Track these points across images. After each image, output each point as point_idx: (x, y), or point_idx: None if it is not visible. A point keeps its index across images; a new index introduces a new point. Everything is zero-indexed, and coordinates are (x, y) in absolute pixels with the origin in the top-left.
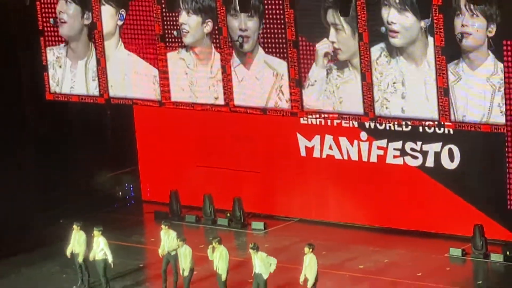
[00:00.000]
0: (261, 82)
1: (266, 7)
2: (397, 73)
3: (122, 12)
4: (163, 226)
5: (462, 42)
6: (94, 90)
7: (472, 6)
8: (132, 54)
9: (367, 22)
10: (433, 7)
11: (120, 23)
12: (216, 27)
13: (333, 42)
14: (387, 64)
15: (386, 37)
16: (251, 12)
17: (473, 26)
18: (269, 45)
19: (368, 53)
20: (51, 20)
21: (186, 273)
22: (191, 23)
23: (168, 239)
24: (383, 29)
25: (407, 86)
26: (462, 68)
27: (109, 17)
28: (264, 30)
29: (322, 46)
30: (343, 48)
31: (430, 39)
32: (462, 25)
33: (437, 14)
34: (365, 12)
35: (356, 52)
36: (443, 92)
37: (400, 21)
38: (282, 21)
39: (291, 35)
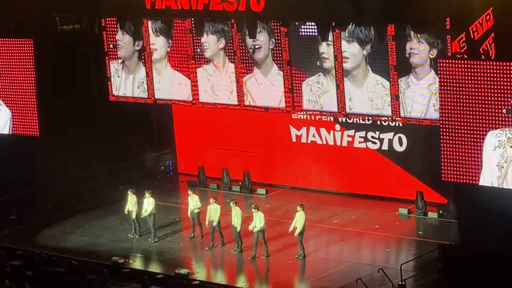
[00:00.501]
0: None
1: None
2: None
3: (170, 42)
4: (189, 192)
5: (410, 59)
6: (138, 94)
7: (418, 35)
8: (175, 71)
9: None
10: (388, 36)
11: (168, 49)
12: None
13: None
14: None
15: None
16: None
17: (419, 49)
18: (277, 62)
19: (341, 69)
20: (111, 45)
21: (215, 224)
22: (210, 41)
23: (192, 201)
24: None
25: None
26: (411, 79)
27: (162, 45)
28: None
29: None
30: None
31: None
32: (411, 48)
33: (391, 41)
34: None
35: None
36: (395, 97)
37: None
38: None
39: (286, 56)
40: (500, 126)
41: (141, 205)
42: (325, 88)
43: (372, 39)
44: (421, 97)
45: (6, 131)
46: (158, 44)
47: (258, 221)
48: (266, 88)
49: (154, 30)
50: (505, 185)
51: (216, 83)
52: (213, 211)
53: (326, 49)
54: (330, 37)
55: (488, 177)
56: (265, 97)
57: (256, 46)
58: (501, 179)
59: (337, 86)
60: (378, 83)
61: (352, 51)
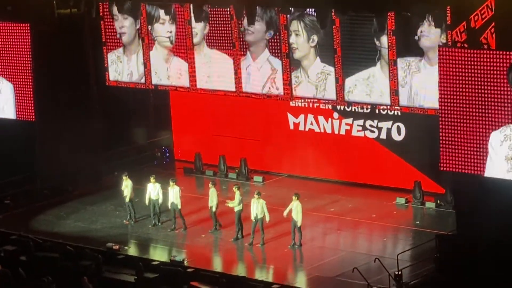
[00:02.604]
0: (261, 72)
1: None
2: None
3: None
4: (170, 183)
5: (419, 42)
6: (141, 78)
7: (431, 18)
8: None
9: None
10: (388, 31)
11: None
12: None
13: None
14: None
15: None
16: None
17: (429, 32)
18: (272, 50)
19: (340, 64)
20: (118, 35)
21: (214, 209)
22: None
23: (172, 193)
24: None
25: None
26: (423, 63)
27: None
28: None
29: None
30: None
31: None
32: (421, 31)
33: (390, 37)
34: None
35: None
36: (394, 92)
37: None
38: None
39: (285, 48)
40: (502, 120)
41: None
42: (300, 80)
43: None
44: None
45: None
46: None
47: (259, 209)
48: (253, 72)
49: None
50: None
51: (214, 72)
52: (213, 195)
53: (295, 39)
54: (298, 27)
55: (498, 172)
56: (251, 81)
57: (249, 31)
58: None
59: (336, 79)
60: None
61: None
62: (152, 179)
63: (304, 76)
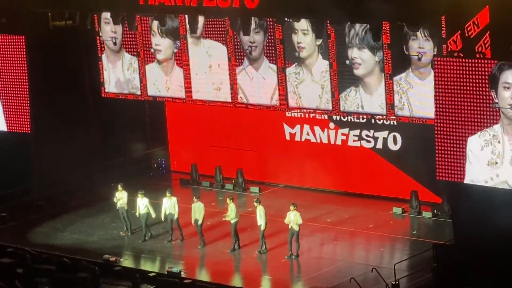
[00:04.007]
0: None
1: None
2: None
3: (177, 43)
4: (167, 194)
5: (421, 60)
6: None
7: (425, 32)
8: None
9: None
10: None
11: (175, 50)
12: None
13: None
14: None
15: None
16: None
17: (426, 49)
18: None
19: (336, 78)
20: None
21: (200, 222)
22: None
23: (170, 204)
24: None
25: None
26: (412, 78)
27: (167, 47)
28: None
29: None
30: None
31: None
32: (419, 47)
33: (386, 50)
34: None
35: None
36: (390, 106)
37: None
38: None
39: (280, 60)
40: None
41: (133, 203)
42: (302, 77)
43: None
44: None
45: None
46: (163, 45)
47: (259, 216)
48: (258, 82)
49: (160, 32)
50: (502, 179)
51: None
52: (197, 210)
53: (302, 38)
54: (307, 26)
55: (481, 178)
56: (257, 92)
57: (253, 46)
58: (496, 176)
59: (332, 94)
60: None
61: (364, 57)
62: (140, 194)
63: (308, 74)
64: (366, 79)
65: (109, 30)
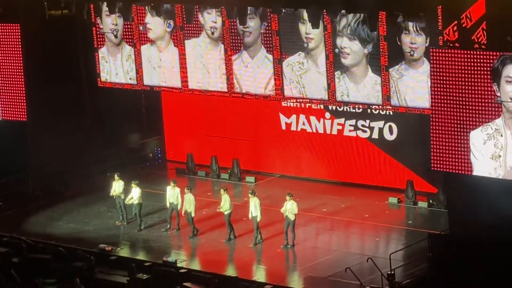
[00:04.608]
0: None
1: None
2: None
3: (171, 23)
4: (171, 183)
5: (413, 55)
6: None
7: (417, 27)
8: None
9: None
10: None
11: (168, 30)
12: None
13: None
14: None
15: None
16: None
17: (418, 42)
18: (267, 47)
19: (332, 69)
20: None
21: (193, 215)
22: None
23: (173, 193)
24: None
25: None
26: (404, 68)
27: (158, 26)
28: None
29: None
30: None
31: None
32: (411, 43)
33: (382, 42)
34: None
35: None
36: (386, 98)
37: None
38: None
39: (277, 51)
40: (491, 117)
41: (127, 193)
42: (306, 67)
43: (374, 39)
44: (421, 86)
45: None
46: (154, 23)
47: (254, 207)
48: (253, 71)
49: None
50: (504, 171)
51: (205, 73)
52: (188, 202)
53: (311, 29)
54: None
55: (485, 171)
56: (251, 82)
57: (246, 32)
58: (500, 168)
59: (328, 85)
60: (377, 82)
61: (354, 48)
62: (133, 184)
63: (313, 65)
64: (352, 69)
65: (110, 22)
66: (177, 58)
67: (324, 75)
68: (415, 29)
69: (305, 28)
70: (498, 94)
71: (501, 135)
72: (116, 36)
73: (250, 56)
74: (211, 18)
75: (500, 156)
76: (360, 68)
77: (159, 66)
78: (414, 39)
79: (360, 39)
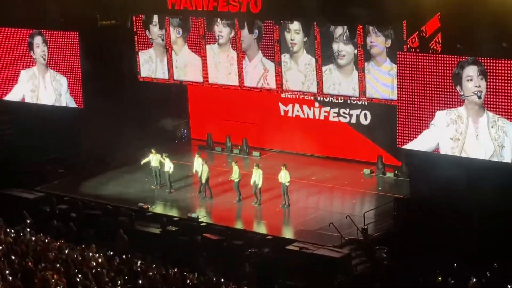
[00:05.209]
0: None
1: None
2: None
3: (179, 30)
4: (196, 155)
5: (370, 51)
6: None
7: (376, 29)
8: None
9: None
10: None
11: (178, 35)
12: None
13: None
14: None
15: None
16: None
17: (377, 42)
18: (265, 52)
19: (320, 70)
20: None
21: (205, 177)
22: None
23: (197, 162)
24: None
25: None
26: (372, 66)
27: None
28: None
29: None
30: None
31: None
32: (371, 41)
33: (360, 49)
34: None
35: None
36: (362, 92)
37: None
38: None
39: (277, 56)
40: (446, 107)
41: (162, 163)
42: (289, 66)
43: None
44: (385, 79)
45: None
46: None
47: (258, 177)
48: (250, 71)
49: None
50: (463, 154)
51: (221, 69)
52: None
53: (295, 36)
54: (299, 27)
55: (444, 149)
56: (249, 78)
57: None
58: (457, 149)
59: (317, 83)
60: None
61: (348, 50)
62: (164, 156)
63: (294, 65)
64: (345, 66)
65: (157, 30)
66: (190, 58)
67: (302, 73)
68: (374, 32)
69: (290, 35)
70: (462, 93)
71: (462, 122)
72: (163, 40)
73: (249, 60)
74: (218, 29)
75: (459, 139)
76: (349, 66)
77: (184, 66)
78: (373, 39)
79: (352, 43)
